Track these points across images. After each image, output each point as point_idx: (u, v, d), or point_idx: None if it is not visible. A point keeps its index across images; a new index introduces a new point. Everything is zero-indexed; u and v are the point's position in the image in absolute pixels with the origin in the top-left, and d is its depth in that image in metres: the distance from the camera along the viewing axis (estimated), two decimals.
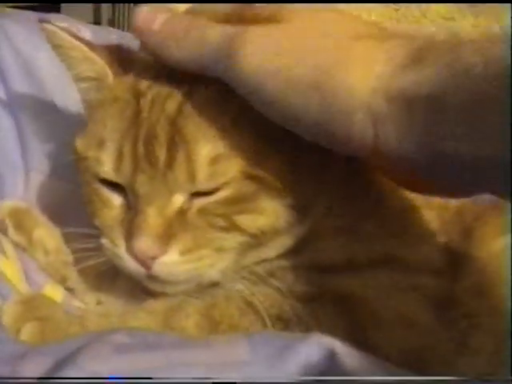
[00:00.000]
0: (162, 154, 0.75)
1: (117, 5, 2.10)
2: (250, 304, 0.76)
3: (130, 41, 1.39)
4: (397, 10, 1.63)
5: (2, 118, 1.08)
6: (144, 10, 0.78)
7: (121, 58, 0.85)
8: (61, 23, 1.23)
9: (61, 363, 0.60)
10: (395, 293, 0.78)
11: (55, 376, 0.59)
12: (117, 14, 2.12)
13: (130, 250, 0.77)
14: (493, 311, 0.79)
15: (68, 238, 0.93)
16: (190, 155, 0.75)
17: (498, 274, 0.81)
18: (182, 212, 0.77)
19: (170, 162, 0.75)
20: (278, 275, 0.79)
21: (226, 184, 0.76)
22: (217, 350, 0.62)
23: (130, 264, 0.78)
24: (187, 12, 0.82)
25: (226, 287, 0.81)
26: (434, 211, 0.88)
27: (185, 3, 1.36)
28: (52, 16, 1.31)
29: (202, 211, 0.77)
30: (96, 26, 1.38)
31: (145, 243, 0.75)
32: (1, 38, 1.12)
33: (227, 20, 0.76)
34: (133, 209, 0.78)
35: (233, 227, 0.77)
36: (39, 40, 1.12)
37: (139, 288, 0.85)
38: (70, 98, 1.05)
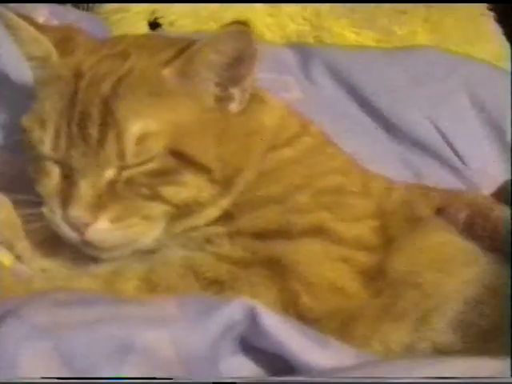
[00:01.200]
0: (94, 132, 0.83)
1: None
2: (186, 268, 0.82)
3: (89, 21, 1.42)
4: None
5: None
6: None
7: (68, 39, 0.92)
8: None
9: (2, 317, 0.64)
10: (326, 261, 0.84)
11: None
12: None
13: (65, 217, 0.84)
14: (420, 291, 0.83)
15: (18, 205, 0.96)
16: (119, 134, 0.82)
17: (430, 265, 0.87)
18: (112, 184, 0.84)
19: (102, 140, 0.83)
20: (215, 241, 0.86)
21: (152, 158, 0.83)
22: (148, 307, 0.67)
23: (66, 230, 0.85)
24: None
25: (164, 253, 0.87)
26: (372, 197, 0.96)
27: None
28: None
29: (130, 182, 0.84)
30: (55, 6, 1.39)
31: (77, 212, 0.83)
32: None
33: None
34: (69, 180, 0.85)
35: (157, 197, 0.85)
36: None
37: (82, 255, 0.90)
38: (24, 74, 1.06)
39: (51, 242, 0.92)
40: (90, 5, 1.63)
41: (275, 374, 0.67)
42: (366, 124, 1.38)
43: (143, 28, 1.59)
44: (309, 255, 0.84)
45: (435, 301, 0.82)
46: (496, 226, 0.94)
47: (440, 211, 1.01)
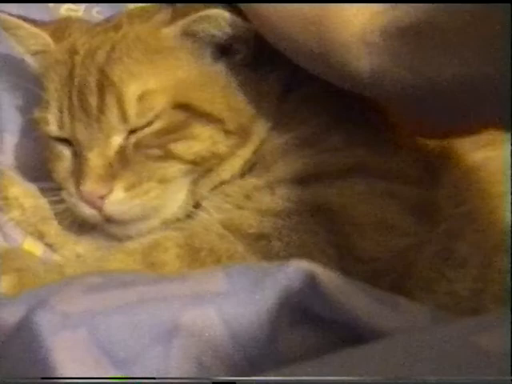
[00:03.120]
0: (93, 100, 0.82)
1: None
2: (228, 227, 0.78)
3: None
4: None
5: None
6: None
7: (64, 28, 0.92)
8: None
9: (33, 307, 0.58)
10: (372, 199, 0.80)
11: (27, 321, 0.57)
12: None
13: (79, 194, 0.82)
14: (475, 224, 0.78)
15: (44, 194, 0.93)
16: (118, 97, 0.81)
17: (479, 185, 0.82)
18: (121, 151, 0.82)
19: (102, 107, 0.81)
20: (254, 196, 0.82)
21: (157, 117, 0.81)
22: (192, 283, 0.60)
23: (84, 209, 0.83)
24: None
25: (201, 217, 0.83)
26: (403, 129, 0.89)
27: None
28: None
29: (139, 145, 0.81)
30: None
31: (89, 185, 0.81)
32: None
33: None
34: (79, 158, 0.83)
35: (170, 156, 0.82)
36: None
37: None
38: None
39: (80, 228, 0.89)
40: None
41: (341, 344, 0.59)
42: None
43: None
44: (353, 195, 0.79)
45: (494, 236, 0.77)
46: None
47: None
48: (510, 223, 0.77)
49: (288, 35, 0.75)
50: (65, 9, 1.25)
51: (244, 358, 0.56)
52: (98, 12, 1.28)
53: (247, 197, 0.83)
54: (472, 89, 0.68)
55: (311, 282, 0.57)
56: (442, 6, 0.64)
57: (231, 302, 0.57)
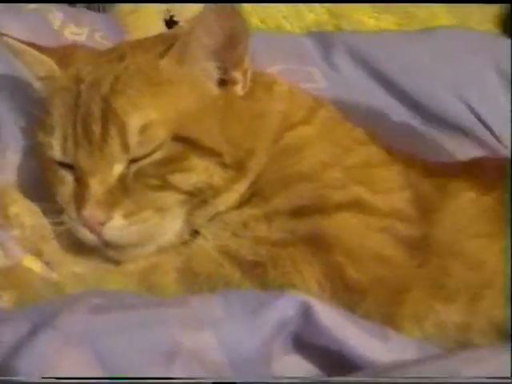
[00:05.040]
0: (97, 129, 0.84)
1: None
2: (224, 255, 0.80)
3: (104, 22, 1.40)
4: None
5: None
6: None
7: (69, 55, 0.95)
8: (32, 5, 1.25)
9: (37, 326, 0.60)
10: (366, 232, 0.83)
11: (31, 339, 0.59)
12: None
13: (80, 219, 0.84)
14: (466, 262, 0.81)
15: (44, 213, 0.94)
16: (120, 127, 0.83)
17: (471, 224, 0.85)
18: (122, 179, 0.84)
19: (105, 136, 0.83)
20: (251, 225, 0.84)
21: (157, 148, 0.83)
22: (192, 308, 0.63)
23: (84, 233, 0.85)
24: None
25: (198, 243, 0.85)
26: (399, 166, 0.93)
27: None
28: None
29: (139, 174, 0.84)
30: (70, 8, 1.38)
31: (90, 211, 0.83)
32: None
33: None
34: (81, 184, 0.85)
35: (168, 186, 0.85)
36: (12, 20, 1.16)
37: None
38: None
39: (79, 248, 0.90)
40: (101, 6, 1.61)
41: (331, 371, 0.62)
42: (394, 107, 1.34)
43: (159, 26, 1.55)
44: (349, 228, 0.82)
45: (484, 274, 0.81)
46: None
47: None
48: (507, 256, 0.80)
49: None
50: (69, 32, 1.28)
51: (240, 380, 0.58)
52: (101, 37, 1.30)
53: (244, 225, 0.85)
54: None
55: (306, 311, 0.61)
56: None
57: (230, 328, 0.60)
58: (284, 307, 0.61)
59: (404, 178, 0.91)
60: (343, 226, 0.82)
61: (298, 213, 0.83)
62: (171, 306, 0.64)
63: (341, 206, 0.84)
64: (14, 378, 0.58)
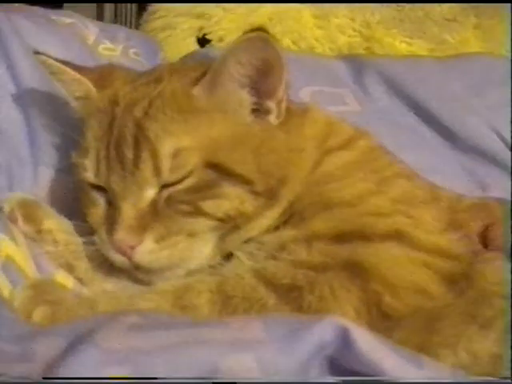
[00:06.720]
0: (129, 153, 0.85)
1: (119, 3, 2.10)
2: (260, 277, 0.80)
3: (138, 39, 1.42)
4: (399, 10, 1.64)
5: (11, 111, 1.09)
6: None
7: (106, 76, 0.96)
8: (68, 19, 1.26)
9: (75, 342, 0.60)
10: (407, 265, 0.81)
11: (70, 355, 0.59)
12: (119, 12, 2.11)
13: (111, 242, 0.86)
14: (503, 291, 0.80)
15: (77, 231, 0.95)
16: (153, 152, 0.84)
17: None
18: (153, 204, 0.85)
19: (137, 161, 0.84)
20: (290, 248, 0.83)
21: (189, 174, 0.84)
22: (231, 330, 0.63)
23: (114, 256, 0.86)
24: None
25: (234, 265, 0.85)
26: (444, 203, 0.93)
27: (188, 3, 1.38)
28: (61, 12, 1.32)
29: (170, 200, 0.85)
30: (104, 24, 1.39)
31: (121, 235, 0.84)
32: (10, 32, 1.13)
33: None
34: (113, 207, 0.87)
35: (199, 212, 0.85)
36: (47, 34, 1.16)
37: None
38: None
39: (110, 267, 0.91)
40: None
41: None
42: (425, 134, 1.35)
43: (192, 44, 1.57)
44: (390, 258, 0.81)
45: None
46: None
47: None
48: None
49: None
50: (102, 48, 1.30)
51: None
52: (135, 53, 1.32)
53: (282, 247, 0.84)
54: None
55: (344, 336, 0.60)
56: None
57: (268, 350, 0.59)
58: (322, 331, 0.61)
59: (448, 218, 0.91)
60: (384, 255, 0.81)
61: (340, 238, 0.82)
62: (211, 326, 0.64)
63: (383, 236, 0.83)
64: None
